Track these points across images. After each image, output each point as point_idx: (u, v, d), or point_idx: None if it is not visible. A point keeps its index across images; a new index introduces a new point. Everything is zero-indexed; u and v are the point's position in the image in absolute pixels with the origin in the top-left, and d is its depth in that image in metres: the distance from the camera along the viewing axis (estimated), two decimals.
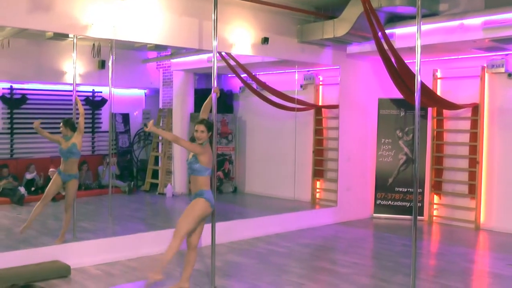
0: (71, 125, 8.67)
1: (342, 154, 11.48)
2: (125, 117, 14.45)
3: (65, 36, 9.02)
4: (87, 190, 12.59)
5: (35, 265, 7.23)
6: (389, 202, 11.80)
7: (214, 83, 7.02)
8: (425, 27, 8.78)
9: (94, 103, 13.93)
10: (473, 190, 10.80)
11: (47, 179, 12.12)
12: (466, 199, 10.99)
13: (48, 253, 7.55)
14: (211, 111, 6.90)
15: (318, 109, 12.64)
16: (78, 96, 9.50)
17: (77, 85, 9.31)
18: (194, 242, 6.62)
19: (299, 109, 12.20)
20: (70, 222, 8.67)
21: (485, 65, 10.60)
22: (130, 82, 13.80)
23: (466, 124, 11.03)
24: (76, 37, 8.64)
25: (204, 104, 6.81)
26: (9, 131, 12.65)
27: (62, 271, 7.25)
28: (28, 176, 12.18)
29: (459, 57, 10.89)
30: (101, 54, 10.89)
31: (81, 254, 7.82)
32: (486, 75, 10.66)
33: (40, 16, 7.38)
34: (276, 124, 13.26)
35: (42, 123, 12.97)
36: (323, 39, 10.24)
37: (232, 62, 10.61)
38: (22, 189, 11.75)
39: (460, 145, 11.13)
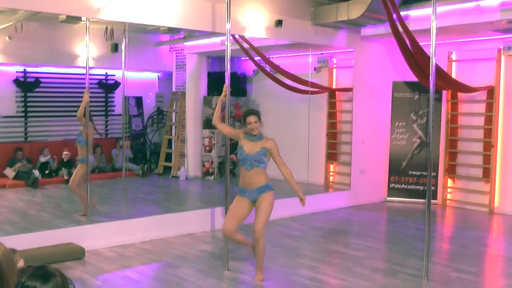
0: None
1: (355, 137, 11.44)
2: (138, 100, 14.48)
3: (78, 19, 9.01)
4: (101, 173, 12.66)
5: (49, 247, 7.28)
6: (403, 185, 11.75)
7: (228, 66, 6.99)
8: (440, 8, 8.69)
9: (107, 86, 13.99)
10: (487, 174, 10.73)
11: (61, 162, 12.21)
12: (480, 182, 10.92)
13: (63, 235, 7.60)
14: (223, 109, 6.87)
15: (332, 92, 12.59)
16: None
17: (90, 68, 9.31)
18: (234, 229, 6.51)
19: (312, 92, 12.16)
20: (85, 199, 8.74)
21: (501, 47, 10.48)
22: (143, 65, 13.81)
23: (481, 107, 10.94)
24: (89, 20, 8.61)
25: (215, 114, 6.71)
26: (23, 114, 12.73)
27: (76, 253, 7.29)
28: (42, 159, 12.26)
29: (475, 39, 10.78)
30: (114, 37, 10.90)
31: (95, 236, 7.86)
32: (503, 57, 10.54)
33: None
34: (289, 107, 13.23)
35: (55, 106, 13.12)
36: (337, 21, 10.16)
37: (245, 45, 10.57)
38: (36, 172, 11.83)
39: (474, 128, 11.05)
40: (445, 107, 11.38)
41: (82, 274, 6.67)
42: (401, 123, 11.75)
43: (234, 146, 14.01)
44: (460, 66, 11.20)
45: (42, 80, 12.94)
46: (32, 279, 2.28)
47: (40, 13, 8.34)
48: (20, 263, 3.04)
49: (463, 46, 11.09)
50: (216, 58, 14.32)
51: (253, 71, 14.17)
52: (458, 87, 10.62)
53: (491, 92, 10.65)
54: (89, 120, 8.67)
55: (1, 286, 2.51)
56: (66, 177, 12.06)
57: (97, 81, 13.65)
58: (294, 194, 6.60)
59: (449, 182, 11.42)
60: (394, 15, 8.52)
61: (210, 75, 14.27)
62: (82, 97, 8.57)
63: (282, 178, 6.49)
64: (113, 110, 14.07)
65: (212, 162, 13.78)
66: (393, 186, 11.81)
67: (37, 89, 12.91)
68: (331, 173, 12.72)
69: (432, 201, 7.73)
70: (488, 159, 10.72)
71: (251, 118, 6.36)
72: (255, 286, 6.40)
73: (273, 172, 6.84)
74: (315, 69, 12.53)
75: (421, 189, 11.49)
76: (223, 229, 6.52)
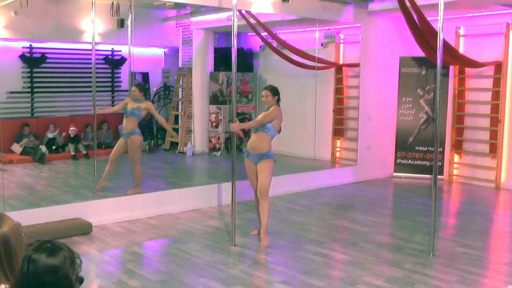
0: (143, 90, 9.24)
1: (362, 113, 11.41)
2: (145, 76, 14.46)
3: None
4: (108, 149, 12.62)
5: (57, 222, 7.32)
6: (409, 161, 11.75)
7: (234, 41, 6.96)
8: None
9: (114, 62, 13.96)
10: (494, 149, 10.71)
11: (68, 138, 12.25)
12: (486, 158, 10.91)
13: (70, 210, 7.63)
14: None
15: (338, 68, 12.55)
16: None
17: (96, 44, 9.30)
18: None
19: (319, 68, 12.12)
20: (140, 175, 9.09)
21: (509, 22, 10.40)
22: (150, 41, 13.78)
23: (489, 83, 10.88)
24: None
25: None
26: (29, 90, 12.73)
27: (84, 228, 7.34)
28: (50, 135, 12.27)
29: (483, 14, 10.69)
30: (120, 12, 10.84)
31: (102, 211, 7.90)
32: (511, 32, 10.45)
33: None
34: (296, 83, 13.18)
35: (61, 82, 13.11)
36: None
37: (252, 21, 10.52)
38: (43, 148, 11.86)
39: (481, 103, 11.00)
40: (452, 82, 11.33)
41: (90, 249, 6.72)
42: (408, 99, 11.72)
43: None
44: (467, 41, 11.12)
45: (48, 55, 12.92)
46: (38, 252, 2.29)
47: None
48: None
49: (471, 21, 11.00)
50: (222, 33, 14.26)
51: (260, 47, 14.12)
52: (465, 62, 10.56)
53: (498, 67, 10.59)
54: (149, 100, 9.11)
55: (10, 260, 2.53)
56: (73, 153, 12.11)
57: (103, 56, 13.63)
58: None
59: (456, 157, 11.41)
60: None
61: (216, 50, 14.22)
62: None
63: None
64: (120, 86, 14.06)
65: (218, 138, 13.80)
66: (400, 162, 11.81)
67: (43, 65, 12.89)
68: (337, 149, 12.72)
69: (438, 176, 7.74)
70: (495, 135, 10.69)
71: (263, 92, 7.06)
72: (262, 261, 6.45)
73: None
74: (322, 44, 12.47)
75: (428, 164, 11.49)
76: (258, 187, 6.94)
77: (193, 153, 13.67)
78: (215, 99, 13.87)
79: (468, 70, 11.12)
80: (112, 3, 10.63)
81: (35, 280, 2.26)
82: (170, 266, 6.12)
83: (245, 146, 13.99)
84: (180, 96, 14.50)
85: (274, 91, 7.03)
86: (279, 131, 7.04)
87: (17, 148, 11.88)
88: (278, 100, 7.05)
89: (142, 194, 8.68)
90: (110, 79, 13.89)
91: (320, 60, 12.01)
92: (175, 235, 7.40)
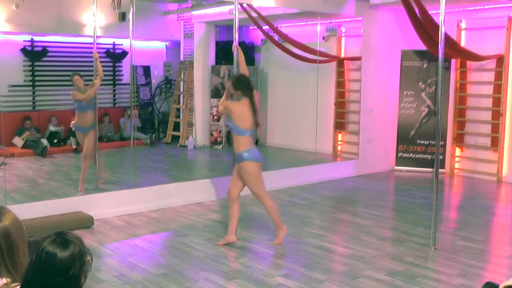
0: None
1: (364, 106, 11.40)
2: (146, 70, 14.45)
3: None
4: (109, 142, 12.71)
5: (58, 215, 7.32)
6: (411, 154, 11.74)
7: (236, 35, 6.96)
8: None
9: (115, 55, 13.96)
10: (495, 143, 10.70)
11: (69, 131, 12.25)
12: (488, 151, 10.89)
13: (71, 204, 7.65)
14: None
15: (340, 61, 12.53)
16: (98, 48, 9.48)
17: (98, 37, 9.28)
18: (234, 194, 6.70)
19: (321, 61, 12.11)
20: (87, 171, 8.93)
21: (511, 15, 10.37)
22: (151, 35, 13.77)
23: (490, 76, 10.85)
24: None
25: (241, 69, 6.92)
26: (31, 83, 12.73)
27: (85, 222, 7.34)
28: (52, 128, 12.27)
29: (485, 7, 10.66)
30: (122, 6, 10.84)
31: (104, 205, 7.91)
32: None
33: None
34: (298, 77, 13.17)
35: (62, 75, 13.10)
36: None
37: (253, 14, 10.51)
38: (44, 141, 11.87)
39: (483, 97, 10.98)
40: (453, 75, 11.31)
41: (91, 242, 6.72)
42: (409, 92, 11.70)
43: None
44: (469, 34, 11.09)
45: (49, 49, 12.91)
46: (53, 245, 2.28)
47: None
48: None
49: (473, 14, 10.97)
50: (224, 27, 14.25)
51: (261, 40, 14.10)
52: (467, 55, 10.54)
53: (500, 60, 10.57)
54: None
55: (11, 254, 2.53)
56: (74, 146, 12.12)
57: (104, 50, 13.62)
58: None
59: (457, 151, 11.40)
60: None
61: (218, 44, 14.21)
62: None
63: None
64: (121, 79, 14.06)
65: (220, 131, 13.79)
66: (401, 155, 11.80)
67: (45, 58, 12.88)
68: (339, 142, 12.71)
69: (440, 170, 7.73)
70: (496, 128, 10.67)
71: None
72: (263, 255, 6.45)
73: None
74: (323, 38, 12.45)
75: (429, 158, 11.48)
76: (227, 192, 6.77)
77: (194, 147, 13.67)
78: (216, 93, 13.86)
79: (469, 63, 11.10)
80: None
81: (41, 279, 2.26)
82: (172, 260, 6.13)
83: None
84: (181, 89, 14.50)
85: (233, 82, 6.42)
86: (257, 125, 6.45)
87: (18, 141, 11.89)
88: (246, 92, 6.36)
89: (144, 187, 8.69)
90: (111, 73, 13.88)
91: (321, 54, 12.01)
92: (177, 228, 7.41)
